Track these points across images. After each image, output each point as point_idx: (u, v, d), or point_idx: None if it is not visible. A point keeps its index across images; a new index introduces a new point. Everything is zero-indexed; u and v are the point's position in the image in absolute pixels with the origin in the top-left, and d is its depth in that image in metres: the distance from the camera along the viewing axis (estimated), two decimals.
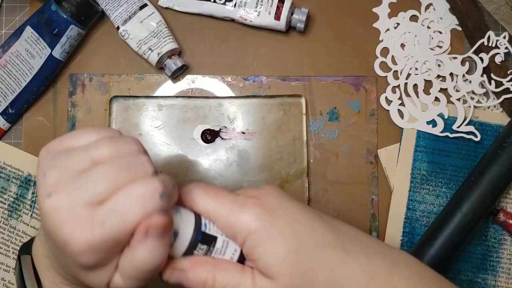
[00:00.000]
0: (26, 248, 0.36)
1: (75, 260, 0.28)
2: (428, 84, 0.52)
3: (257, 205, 0.30)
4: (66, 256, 0.29)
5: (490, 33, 0.50)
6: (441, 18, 0.53)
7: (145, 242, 0.27)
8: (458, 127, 0.51)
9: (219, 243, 0.30)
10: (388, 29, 0.53)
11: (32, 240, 0.37)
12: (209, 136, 0.52)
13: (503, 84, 0.50)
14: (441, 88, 0.52)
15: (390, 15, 0.53)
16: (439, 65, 0.52)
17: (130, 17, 0.50)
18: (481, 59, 0.51)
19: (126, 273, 0.29)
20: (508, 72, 0.50)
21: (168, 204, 0.28)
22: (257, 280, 0.29)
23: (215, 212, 0.30)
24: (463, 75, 0.51)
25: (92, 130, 0.30)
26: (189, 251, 0.30)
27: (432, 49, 0.52)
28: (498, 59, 0.50)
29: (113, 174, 0.27)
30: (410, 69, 0.52)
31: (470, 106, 0.51)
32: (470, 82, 0.51)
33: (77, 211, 0.27)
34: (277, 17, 0.50)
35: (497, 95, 0.51)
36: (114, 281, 0.29)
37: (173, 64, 0.50)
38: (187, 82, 0.52)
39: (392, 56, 0.52)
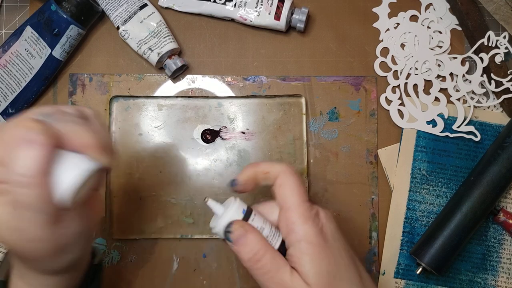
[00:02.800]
0: None
1: None
2: (428, 84, 0.52)
3: (320, 227, 0.35)
4: None
5: (490, 33, 0.50)
6: (441, 18, 0.53)
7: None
8: (458, 127, 0.51)
9: (267, 230, 0.36)
10: (388, 29, 0.53)
11: None
12: (209, 136, 0.52)
13: (503, 84, 0.50)
14: (441, 88, 0.52)
15: (390, 15, 0.53)
16: (439, 65, 0.52)
17: (130, 17, 0.50)
18: (481, 59, 0.51)
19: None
20: (508, 72, 0.50)
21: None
22: (295, 278, 0.34)
23: (294, 203, 0.35)
24: (463, 75, 0.51)
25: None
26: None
27: (432, 49, 0.52)
28: (498, 59, 0.50)
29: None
30: (410, 69, 0.52)
31: (470, 106, 0.51)
32: (470, 82, 0.51)
33: None
34: (277, 17, 0.50)
35: (497, 95, 0.51)
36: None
37: (173, 64, 0.50)
38: (187, 82, 0.52)
39: (392, 56, 0.52)
